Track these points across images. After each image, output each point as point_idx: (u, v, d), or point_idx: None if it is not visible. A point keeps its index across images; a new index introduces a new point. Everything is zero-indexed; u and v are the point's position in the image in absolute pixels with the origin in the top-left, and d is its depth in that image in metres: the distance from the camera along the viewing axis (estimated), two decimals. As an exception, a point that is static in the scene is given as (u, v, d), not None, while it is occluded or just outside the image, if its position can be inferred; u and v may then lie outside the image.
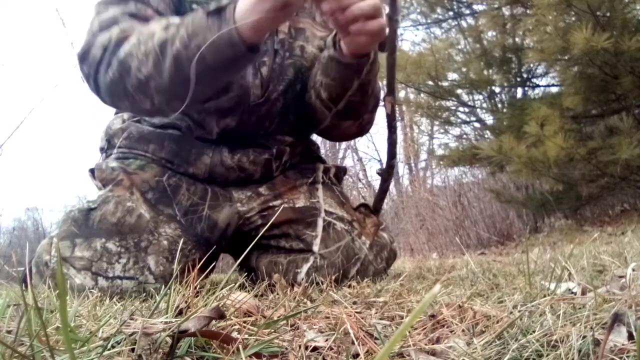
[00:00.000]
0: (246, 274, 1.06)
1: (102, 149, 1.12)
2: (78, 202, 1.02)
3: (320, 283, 0.91)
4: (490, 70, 4.61)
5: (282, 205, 1.03)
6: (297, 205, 1.05)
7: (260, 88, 1.00)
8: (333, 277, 0.93)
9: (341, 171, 1.22)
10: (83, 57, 0.91)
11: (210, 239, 0.98)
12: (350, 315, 0.55)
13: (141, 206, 0.94)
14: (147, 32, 0.86)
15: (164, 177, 1.00)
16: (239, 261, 0.63)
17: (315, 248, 0.99)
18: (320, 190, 1.10)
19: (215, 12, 0.81)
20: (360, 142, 9.34)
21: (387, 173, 1.09)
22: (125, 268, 0.87)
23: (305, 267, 0.98)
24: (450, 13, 5.11)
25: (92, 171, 1.06)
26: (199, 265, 0.88)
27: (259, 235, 0.80)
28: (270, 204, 1.04)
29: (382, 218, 1.16)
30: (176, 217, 0.96)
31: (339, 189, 1.16)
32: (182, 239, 0.92)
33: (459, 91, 5.01)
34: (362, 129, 1.12)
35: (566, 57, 3.41)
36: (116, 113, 1.14)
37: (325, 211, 1.05)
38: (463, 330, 0.50)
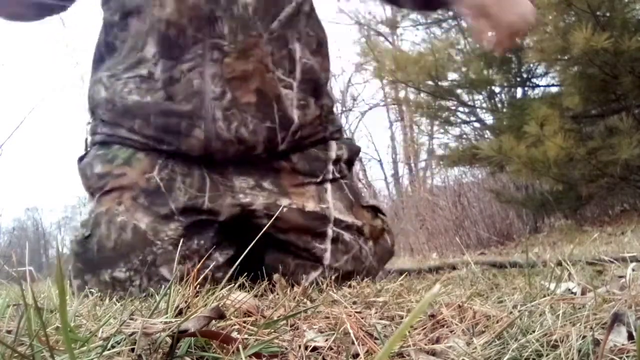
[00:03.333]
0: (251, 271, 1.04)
1: (87, 123, 1.05)
2: (75, 230, 0.96)
3: (320, 283, 0.91)
4: (490, 70, 4.61)
5: (291, 206, 0.98)
6: (306, 209, 0.99)
7: None
8: (338, 283, 0.92)
9: (354, 153, 1.14)
10: None
11: (213, 231, 0.93)
12: (350, 315, 0.55)
13: (133, 217, 0.89)
14: None
15: (155, 172, 0.93)
16: (237, 263, 0.62)
17: (326, 262, 0.98)
18: (330, 192, 1.04)
19: None
20: (360, 142, 9.34)
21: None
22: (141, 288, 0.86)
23: (312, 275, 0.97)
24: (450, 13, 5.10)
25: (80, 160, 1.00)
26: (199, 266, 0.87)
27: (261, 232, 0.77)
28: (277, 202, 0.97)
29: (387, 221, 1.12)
30: (174, 216, 0.91)
31: (348, 182, 1.08)
32: (185, 237, 0.89)
33: (458, 91, 5.00)
34: None
35: (566, 57, 3.41)
36: (93, 75, 1.03)
37: (335, 219, 1.00)
38: (463, 330, 0.50)
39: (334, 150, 1.07)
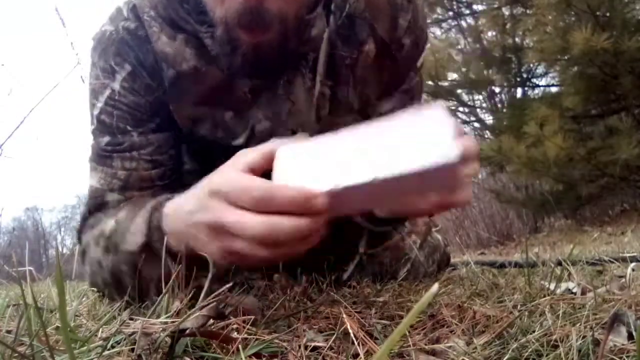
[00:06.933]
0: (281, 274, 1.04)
1: None
2: None
3: (360, 280, 0.90)
4: (490, 70, 4.61)
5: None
6: None
7: None
8: (380, 277, 0.91)
9: None
10: (81, 230, 0.80)
11: None
12: (350, 315, 0.55)
13: None
14: (94, 257, 0.72)
15: None
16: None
17: (361, 249, 0.96)
18: None
19: (146, 248, 0.64)
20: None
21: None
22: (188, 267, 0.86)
23: (351, 266, 0.95)
24: (450, 13, 5.12)
25: None
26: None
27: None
28: None
29: (435, 220, 1.10)
30: None
31: None
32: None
33: (459, 91, 5.01)
34: None
35: (566, 57, 3.42)
36: None
37: (370, 211, 1.01)
38: (463, 330, 0.50)
39: None
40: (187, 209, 0.57)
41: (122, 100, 0.76)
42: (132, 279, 0.68)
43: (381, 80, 0.85)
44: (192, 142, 0.81)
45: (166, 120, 0.78)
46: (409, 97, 0.88)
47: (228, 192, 0.51)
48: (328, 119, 0.80)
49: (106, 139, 0.77)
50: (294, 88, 0.78)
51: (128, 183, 0.76)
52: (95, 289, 0.76)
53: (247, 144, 0.77)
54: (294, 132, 0.79)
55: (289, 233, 0.46)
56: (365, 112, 0.86)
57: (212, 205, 0.52)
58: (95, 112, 0.78)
